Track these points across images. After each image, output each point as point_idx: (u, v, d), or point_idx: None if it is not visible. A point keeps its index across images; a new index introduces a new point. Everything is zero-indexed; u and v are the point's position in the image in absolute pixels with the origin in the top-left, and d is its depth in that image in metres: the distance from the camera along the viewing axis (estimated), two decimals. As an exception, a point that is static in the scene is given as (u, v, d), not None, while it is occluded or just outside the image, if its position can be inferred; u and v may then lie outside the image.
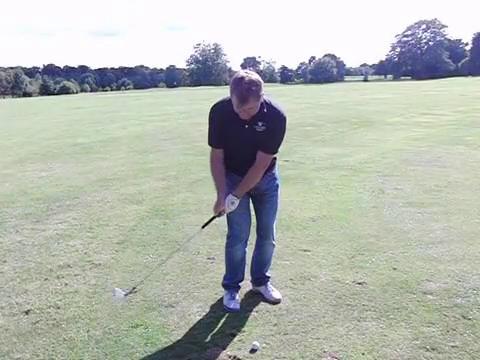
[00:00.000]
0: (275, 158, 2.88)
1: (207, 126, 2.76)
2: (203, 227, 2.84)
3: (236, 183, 2.76)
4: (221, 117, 2.68)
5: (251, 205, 2.99)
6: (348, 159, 7.68)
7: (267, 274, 3.13)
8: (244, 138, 2.65)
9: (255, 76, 2.46)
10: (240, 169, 2.75)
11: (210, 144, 2.79)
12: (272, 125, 2.60)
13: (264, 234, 3.01)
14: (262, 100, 2.54)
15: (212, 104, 2.73)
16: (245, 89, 2.40)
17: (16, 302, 3.13)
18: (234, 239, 2.97)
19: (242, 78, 2.42)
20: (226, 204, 2.69)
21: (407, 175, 6.38)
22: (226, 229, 3.01)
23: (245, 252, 3.04)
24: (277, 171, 2.95)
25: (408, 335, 2.57)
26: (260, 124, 2.59)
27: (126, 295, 2.81)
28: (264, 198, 2.90)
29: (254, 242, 3.11)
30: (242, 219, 2.92)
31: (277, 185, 2.94)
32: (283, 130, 2.66)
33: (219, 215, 2.76)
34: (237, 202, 2.70)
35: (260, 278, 3.12)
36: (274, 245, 3.10)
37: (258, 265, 3.11)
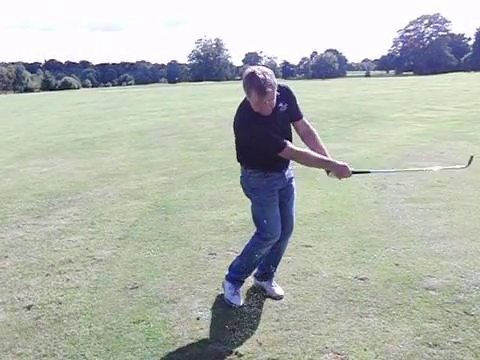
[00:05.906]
0: None
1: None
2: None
3: (275, 183, 2.77)
4: (254, 124, 2.53)
5: None
6: (350, 154, 7.65)
7: (275, 270, 3.10)
8: (276, 127, 2.59)
9: (265, 68, 2.48)
10: (280, 164, 2.78)
11: (280, 145, 2.55)
12: (288, 97, 2.72)
13: (289, 227, 2.96)
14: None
15: (240, 121, 2.60)
16: (262, 80, 2.39)
17: (18, 297, 3.14)
18: (268, 241, 2.83)
19: (254, 72, 2.42)
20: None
21: (409, 171, 6.35)
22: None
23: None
24: None
25: (410, 331, 2.56)
26: (281, 105, 2.63)
27: None
28: (289, 188, 2.93)
29: None
30: (278, 221, 2.84)
31: (294, 173, 2.99)
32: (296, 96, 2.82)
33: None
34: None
35: (267, 273, 3.08)
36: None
37: (271, 259, 3.03)
